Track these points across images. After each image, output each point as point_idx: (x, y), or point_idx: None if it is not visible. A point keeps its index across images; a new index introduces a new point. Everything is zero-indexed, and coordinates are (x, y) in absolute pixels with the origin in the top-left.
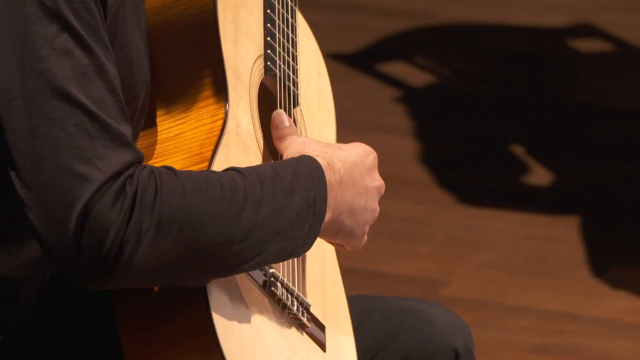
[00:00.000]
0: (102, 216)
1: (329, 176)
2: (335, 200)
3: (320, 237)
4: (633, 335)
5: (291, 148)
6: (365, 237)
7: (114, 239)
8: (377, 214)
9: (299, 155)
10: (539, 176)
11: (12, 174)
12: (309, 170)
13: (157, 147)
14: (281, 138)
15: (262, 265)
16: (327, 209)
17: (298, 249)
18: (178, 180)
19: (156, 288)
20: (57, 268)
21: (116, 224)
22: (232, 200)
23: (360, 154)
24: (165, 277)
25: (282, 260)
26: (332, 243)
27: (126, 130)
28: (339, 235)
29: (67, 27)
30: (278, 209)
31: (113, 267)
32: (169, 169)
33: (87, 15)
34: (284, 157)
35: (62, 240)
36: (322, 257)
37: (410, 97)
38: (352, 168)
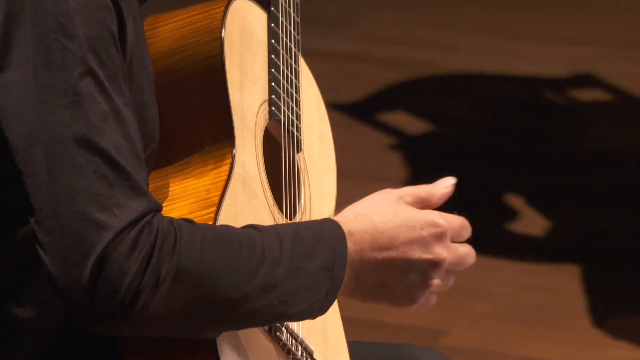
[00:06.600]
0: (118, 263)
1: (350, 244)
2: (356, 269)
3: (357, 299)
4: None
5: None
6: (433, 298)
7: (129, 286)
8: (434, 286)
9: (322, 218)
10: (539, 225)
11: (30, 218)
12: (330, 235)
13: (163, 191)
14: None
15: (275, 323)
16: (346, 276)
17: (314, 312)
18: (197, 232)
19: None
20: (69, 311)
21: (132, 272)
22: (250, 257)
23: (409, 226)
24: (179, 328)
25: (297, 320)
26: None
27: (143, 177)
28: (371, 301)
29: (90, 72)
30: (294, 270)
31: (127, 315)
32: (188, 221)
33: (108, 61)
34: None
35: (76, 286)
36: None
37: (410, 146)
38: (391, 240)
